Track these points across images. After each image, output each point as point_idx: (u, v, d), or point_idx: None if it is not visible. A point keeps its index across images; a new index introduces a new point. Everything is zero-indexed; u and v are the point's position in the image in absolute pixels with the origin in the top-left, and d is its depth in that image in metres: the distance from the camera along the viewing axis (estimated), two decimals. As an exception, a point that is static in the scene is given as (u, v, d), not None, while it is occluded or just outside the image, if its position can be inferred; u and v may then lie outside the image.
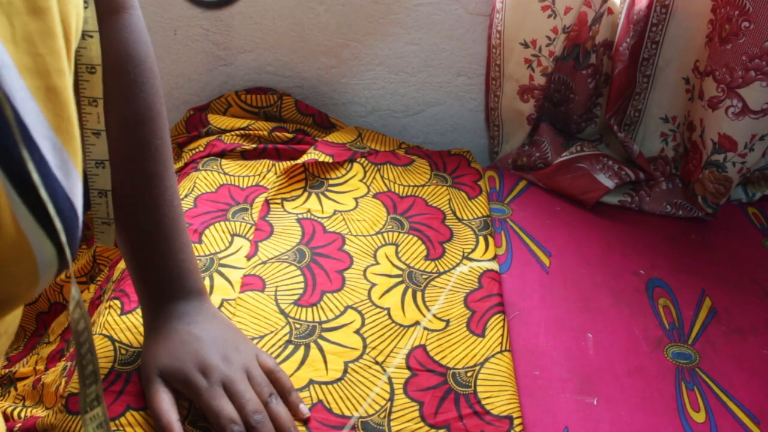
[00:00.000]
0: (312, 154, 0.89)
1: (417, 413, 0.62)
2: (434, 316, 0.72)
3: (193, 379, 0.56)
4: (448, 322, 0.72)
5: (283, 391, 0.60)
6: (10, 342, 0.45)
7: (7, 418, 0.68)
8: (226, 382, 0.57)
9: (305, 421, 0.60)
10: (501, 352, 0.69)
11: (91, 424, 0.41)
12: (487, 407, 0.63)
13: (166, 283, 0.60)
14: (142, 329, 0.65)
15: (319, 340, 0.67)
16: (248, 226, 0.80)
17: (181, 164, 0.92)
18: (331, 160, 0.90)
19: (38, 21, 0.32)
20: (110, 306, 0.68)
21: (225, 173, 0.88)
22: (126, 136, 0.57)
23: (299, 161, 0.88)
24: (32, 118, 0.31)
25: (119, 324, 0.65)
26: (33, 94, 0.31)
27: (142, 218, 0.59)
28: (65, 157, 0.33)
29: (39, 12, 0.32)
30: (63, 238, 0.32)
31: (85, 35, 0.47)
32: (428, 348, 0.69)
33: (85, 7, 0.45)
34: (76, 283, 0.57)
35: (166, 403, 0.56)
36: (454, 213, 0.88)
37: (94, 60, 0.49)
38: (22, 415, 0.68)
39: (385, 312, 0.72)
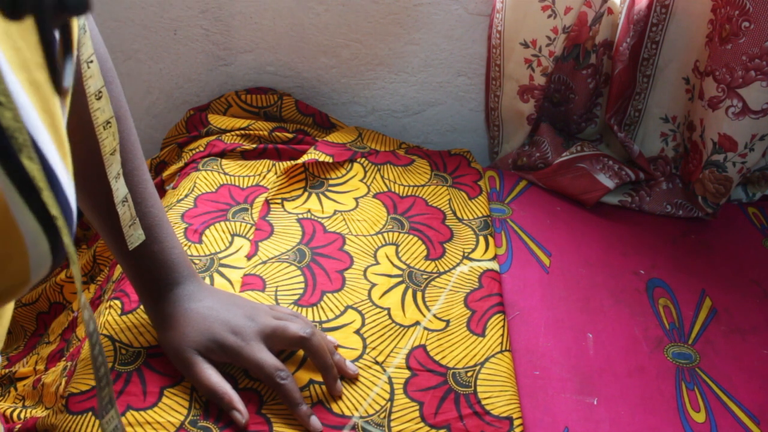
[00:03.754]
0: (312, 154, 0.89)
1: (417, 413, 0.62)
2: (434, 316, 0.72)
3: (229, 342, 0.59)
4: (448, 322, 0.72)
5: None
6: (1, 342, 0.44)
7: (7, 419, 0.68)
8: (260, 332, 0.60)
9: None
10: (501, 352, 0.69)
11: (108, 427, 0.41)
12: (487, 407, 0.63)
13: (164, 271, 0.61)
14: (142, 329, 0.65)
15: (319, 340, 0.67)
16: (248, 226, 0.80)
17: (181, 164, 0.91)
18: (331, 160, 0.90)
19: None
20: (110, 306, 0.68)
21: (225, 173, 0.88)
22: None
23: (299, 161, 0.88)
24: (28, 113, 0.31)
25: (119, 324, 0.65)
26: (22, 86, 0.31)
27: (135, 209, 0.60)
28: (56, 151, 0.33)
29: None
30: (65, 232, 0.32)
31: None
32: (428, 348, 0.69)
33: None
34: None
35: (215, 376, 0.59)
36: (454, 213, 0.88)
37: (89, 54, 0.48)
38: (22, 416, 0.68)
39: (385, 312, 0.72)
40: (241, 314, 0.61)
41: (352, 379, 0.63)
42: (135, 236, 0.59)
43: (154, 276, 0.61)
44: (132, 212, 0.58)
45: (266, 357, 0.59)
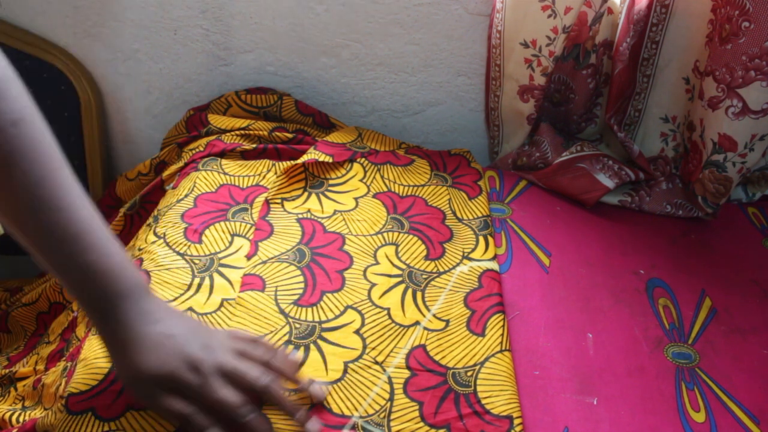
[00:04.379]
0: (312, 154, 0.89)
1: (417, 413, 0.62)
2: (434, 315, 0.72)
3: (186, 379, 0.55)
4: (448, 321, 0.72)
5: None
6: None
7: (5, 424, 0.68)
8: (218, 368, 0.56)
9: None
10: (501, 351, 0.69)
11: None
12: (487, 407, 0.63)
13: (105, 282, 0.55)
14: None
15: (319, 341, 0.67)
16: (248, 226, 0.80)
17: (181, 164, 0.91)
18: (331, 160, 0.90)
19: None
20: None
21: (225, 173, 0.88)
22: (4, 138, 0.51)
23: (299, 161, 0.88)
24: None
25: (119, 324, 0.65)
26: None
27: (53, 218, 0.53)
28: None
29: None
30: None
31: None
32: (428, 348, 0.69)
33: None
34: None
35: (177, 402, 0.55)
36: (454, 213, 0.88)
37: None
38: (21, 419, 0.68)
39: (385, 312, 0.72)
40: (199, 345, 0.56)
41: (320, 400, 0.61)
42: None
43: (97, 290, 0.55)
44: None
45: (227, 395, 0.55)
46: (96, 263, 0.54)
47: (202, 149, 0.92)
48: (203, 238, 0.77)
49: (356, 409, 0.61)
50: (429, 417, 0.62)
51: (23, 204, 0.52)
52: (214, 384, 0.55)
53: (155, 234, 0.76)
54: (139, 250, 0.75)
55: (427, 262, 0.79)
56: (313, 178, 0.89)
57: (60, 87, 1.06)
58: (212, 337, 0.58)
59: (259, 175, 0.89)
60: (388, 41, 1.04)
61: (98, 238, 0.54)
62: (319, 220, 0.82)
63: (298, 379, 0.61)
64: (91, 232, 0.54)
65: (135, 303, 0.56)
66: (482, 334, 0.71)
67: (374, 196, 0.88)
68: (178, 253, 0.74)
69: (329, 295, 0.72)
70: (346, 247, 0.79)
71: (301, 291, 0.72)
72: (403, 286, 0.75)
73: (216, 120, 0.98)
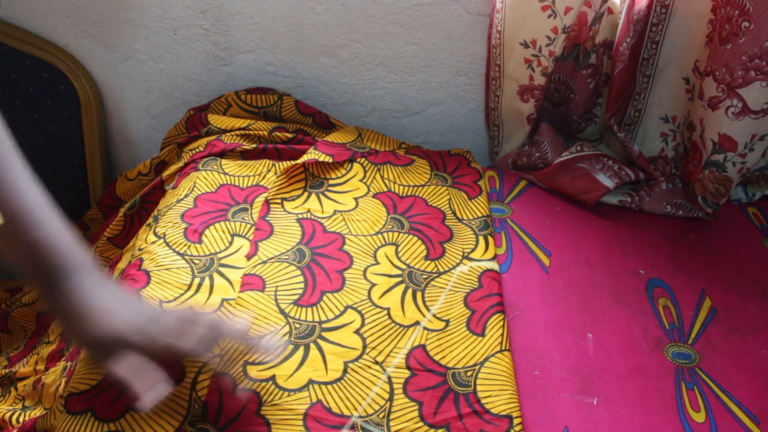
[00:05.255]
0: (312, 154, 0.89)
1: (416, 413, 0.62)
2: (434, 316, 0.72)
3: (131, 339, 0.56)
4: (447, 321, 0.72)
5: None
6: None
7: (5, 424, 0.68)
8: (165, 335, 0.58)
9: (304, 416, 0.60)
10: (501, 351, 0.69)
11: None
12: (487, 406, 0.63)
13: (54, 258, 0.58)
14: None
15: (319, 340, 0.67)
16: (248, 226, 0.80)
17: (181, 164, 0.92)
18: (331, 160, 0.90)
19: None
20: (110, 306, 0.67)
21: (225, 173, 0.88)
22: None
23: (299, 161, 0.88)
24: None
25: (119, 324, 0.65)
26: None
27: (2, 197, 0.57)
28: None
29: None
30: None
31: None
32: (428, 348, 0.69)
33: None
34: None
35: (120, 365, 0.56)
36: (454, 213, 0.88)
37: None
38: (21, 419, 0.68)
39: (385, 312, 0.72)
40: (143, 315, 0.59)
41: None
42: None
43: (47, 264, 0.58)
44: None
45: (181, 344, 0.57)
46: (46, 239, 0.58)
47: (202, 149, 0.92)
48: (203, 238, 0.77)
49: (356, 409, 0.61)
50: (428, 417, 0.62)
51: None
52: (163, 341, 0.57)
53: (155, 234, 0.76)
54: (139, 250, 0.75)
55: (427, 262, 0.79)
56: (313, 178, 0.89)
57: (60, 87, 1.06)
58: (155, 311, 0.61)
59: (259, 175, 0.89)
60: (388, 41, 1.04)
61: (47, 218, 0.58)
62: (319, 220, 0.82)
63: (241, 350, 0.61)
64: (40, 213, 0.58)
65: (84, 277, 0.59)
66: (482, 334, 0.71)
67: (374, 196, 0.88)
68: (178, 253, 0.74)
69: (329, 295, 0.72)
70: (346, 247, 0.79)
71: (301, 291, 0.72)
72: (403, 286, 0.75)
73: (216, 120, 0.98)
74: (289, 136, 0.97)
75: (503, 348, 0.69)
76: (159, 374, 0.56)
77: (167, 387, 0.55)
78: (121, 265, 0.77)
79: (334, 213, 0.84)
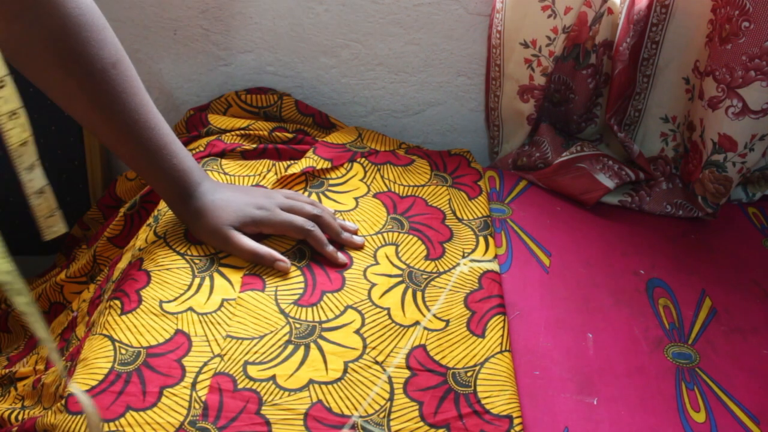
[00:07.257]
0: (310, 160, 0.89)
1: (417, 413, 0.62)
2: (434, 316, 0.73)
3: (258, 214, 0.73)
4: (448, 322, 0.72)
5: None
6: None
7: (4, 422, 0.68)
8: (279, 205, 0.75)
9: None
10: (501, 352, 0.69)
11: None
12: (487, 406, 0.63)
13: (185, 177, 0.73)
14: (142, 329, 0.65)
15: (319, 340, 0.67)
16: (248, 226, 0.80)
17: (181, 164, 0.91)
18: (329, 166, 0.90)
19: None
20: (110, 306, 0.68)
21: (225, 173, 0.88)
22: (108, 78, 0.66)
23: (297, 171, 0.87)
24: None
25: (119, 324, 0.65)
26: None
27: (146, 135, 0.70)
28: None
29: None
30: None
31: None
32: (428, 348, 0.69)
33: None
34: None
35: (252, 242, 0.72)
36: (454, 213, 0.88)
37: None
38: (20, 417, 0.68)
39: (385, 312, 0.72)
40: (260, 194, 0.76)
41: (357, 248, 0.78)
42: (52, 230, 0.62)
43: (180, 183, 0.73)
44: (50, 204, 0.61)
45: (293, 217, 0.74)
46: (179, 164, 0.73)
47: (202, 149, 0.92)
48: (203, 238, 0.76)
49: (356, 409, 0.62)
50: (429, 417, 0.62)
51: (125, 126, 0.69)
52: (280, 214, 0.74)
53: (156, 234, 0.76)
54: (140, 250, 0.75)
55: (427, 262, 0.79)
56: (313, 178, 0.89)
57: (60, 87, 1.06)
58: (268, 192, 0.78)
59: (259, 175, 0.89)
60: (388, 41, 1.04)
61: (178, 146, 0.73)
62: (319, 220, 0.82)
63: (339, 232, 0.77)
64: (173, 143, 0.72)
65: (203, 185, 0.75)
66: (482, 335, 0.71)
67: (374, 196, 0.88)
68: (179, 253, 0.74)
69: (329, 295, 0.72)
70: (346, 247, 0.79)
71: (301, 291, 0.72)
72: (403, 286, 0.75)
73: (216, 120, 0.98)
74: (290, 136, 0.97)
75: (503, 348, 0.69)
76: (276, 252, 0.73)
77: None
78: (121, 265, 0.77)
79: (334, 213, 0.83)
